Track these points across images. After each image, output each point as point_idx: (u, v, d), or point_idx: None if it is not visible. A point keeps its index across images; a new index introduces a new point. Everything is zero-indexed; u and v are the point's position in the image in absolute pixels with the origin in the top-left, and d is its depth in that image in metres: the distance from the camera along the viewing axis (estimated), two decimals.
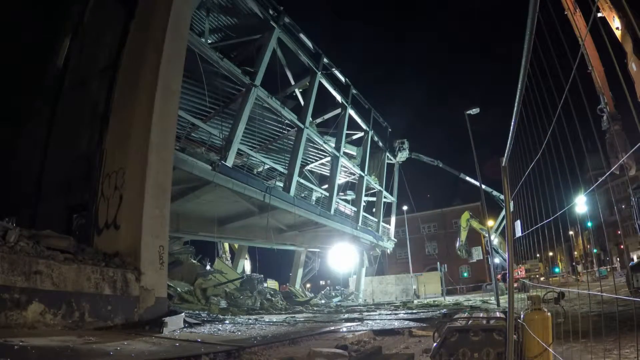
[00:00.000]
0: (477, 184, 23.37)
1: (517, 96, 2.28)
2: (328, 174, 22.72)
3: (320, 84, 19.38)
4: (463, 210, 31.44)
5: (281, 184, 17.17)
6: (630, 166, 8.43)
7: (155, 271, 7.35)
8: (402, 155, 29.05)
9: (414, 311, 12.55)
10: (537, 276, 21.71)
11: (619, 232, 34.58)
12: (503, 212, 23.28)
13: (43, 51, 11.94)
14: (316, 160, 23.28)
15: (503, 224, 23.43)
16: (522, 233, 3.12)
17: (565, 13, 8.37)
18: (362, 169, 24.28)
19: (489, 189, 23.31)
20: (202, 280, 14.52)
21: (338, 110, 22.09)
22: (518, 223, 3.33)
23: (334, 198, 20.55)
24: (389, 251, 30.06)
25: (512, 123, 2.61)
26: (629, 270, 10.84)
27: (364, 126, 24.63)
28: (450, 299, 21.27)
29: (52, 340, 4.46)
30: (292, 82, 20.14)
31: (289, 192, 16.79)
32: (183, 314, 7.48)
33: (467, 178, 28.00)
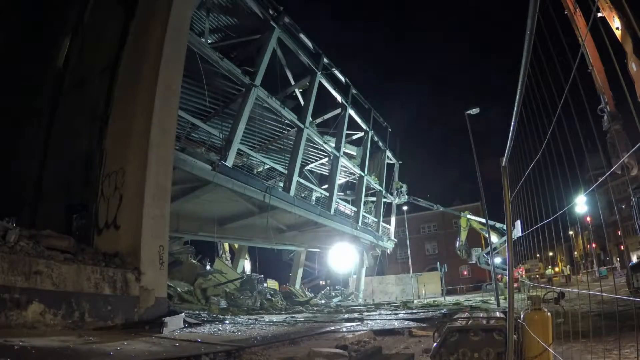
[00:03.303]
0: (483, 220, 23.51)
1: (517, 96, 2.28)
2: (328, 174, 22.71)
3: (320, 84, 19.37)
4: (463, 210, 31.51)
5: (281, 184, 17.16)
6: (632, 166, 8.42)
7: (155, 271, 7.35)
8: (401, 200, 29.58)
9: (414, 311, 12.54)
10: (537, 276, 21.71)
11: (619, 232, 34.58)
12: (503, 238, 23.20)
13: (43, 51, 11.93)
14: (316, 160, 23.27)
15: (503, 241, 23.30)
16: (522, 233, 3.12)
17: (566, 13, 8.37)
18: (362, 169, 24.27)
19: (491, 222, 23.02)
20: (202, 280, 14.52)
21: (338, 110, 22.07)
22: (518, 223, 3.33)
23: (334, 198, 20.54)
24: (389, 251, 30.06)
25: (512, 123, 2.61)
26: (629, 270, 10.84)
27: (364, 126, 24.62)
28: (450, 299, 21.27)
29: (52, 340, 4.46)
30: (292, 82, 20.13)
31: (289, 192, 16.78)
32: (183, 314, 7.48)
33: (469, 216, 28.32)
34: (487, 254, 24.22)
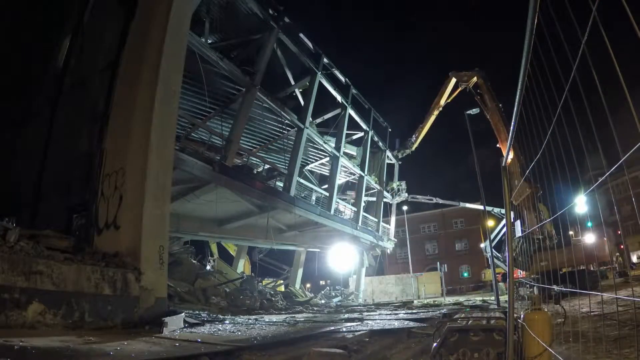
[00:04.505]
0: (479, 207, 23.82)
1: (517, 96, 2.28)
2: (328, 174, 22.70)
3: (320, 84, 19.37)
4: (463, 210, 31.54)
5: (281, 184, 17.16)
6: None
7: (155, 271, 7.35)
8: (400, 198, 29.62)
9: (414, 311, 12.55)
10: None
11: (619, 232, 34.56)
12: (502, 222, 23.47)
13: (43, 51, 11.94)
14: (316, 160, 23.25)
15: (503, 232, 23.43)
16: (522, 233, 3.13)
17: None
18: (362, 169, 24.27)
19: (489, 207, 23.22)
20: (202, 280, 14.53)
21: (338, 110, 22.06)
22: (518, 223, 3.34)
23: (334, 198, 20.54)
24: (389, 251, 30.06)
25: (512, 123, 2.61)
26: None
27: (364, 126, 24.61)
28: (450, 299, 21.27)
29: (52, 340, 4.46)
30: (292, 82, 20.12)
31: (289, 192, 16.79)
32: (183, 314, 7.48)
33: (468, 205, 29.39)
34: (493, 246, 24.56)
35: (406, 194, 29.39)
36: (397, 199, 29.32)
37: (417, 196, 30.02)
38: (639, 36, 1.10)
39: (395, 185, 29.21)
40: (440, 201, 30.34)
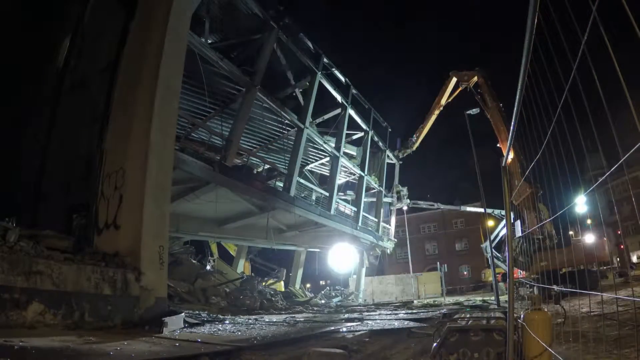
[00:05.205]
0: (479, 210, 23.88)
1: (517, 96, 2.28)
2: (328, 174, 22.70)
3: (320, 84, 19.36)
4: (463, 210, 31.55)
5: (281, 184, 17.16)
6: None
7: (155, 271, 7.35)
8: (403, 204, 29.70)
9: (414, 311, 12.54)
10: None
11: (619, 232, 34.55)
12: (502, 223, 23.38)
13: (43, 51, 11.94)
14: (316, 160, 23.25)
15: (503, 232, 23.37)
16: (522, 233, 3.13)
17: None
18: (362, 169, 24.27)
19: (489, 210, 23.21)
20: (202, 280, 14.53)
21: (338, 110, 22.05)
22: (518, 223, 3.34)
23: (334, 198, 20.53)
24: (389, 251, 30.05)
25: (512, 123, 2.61)
26: None
27: (364, 126, 24.61)
28: (450, 299, 21.27)
29: (52, 340, 4.46)
30: (292, 82, 20.12)
31: (289, 192, 16.78)
32: (183, 314, 7.48)
33: (468, 208, 29.82)
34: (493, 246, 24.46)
35: (408, 200, 29.55)
36: (399, 205, 29.46)
37: (419, 202, 30.21)
38: (639, 36, 1.10)
39: (397, 189, 29.36)
40: (442, 206, 30.52)
